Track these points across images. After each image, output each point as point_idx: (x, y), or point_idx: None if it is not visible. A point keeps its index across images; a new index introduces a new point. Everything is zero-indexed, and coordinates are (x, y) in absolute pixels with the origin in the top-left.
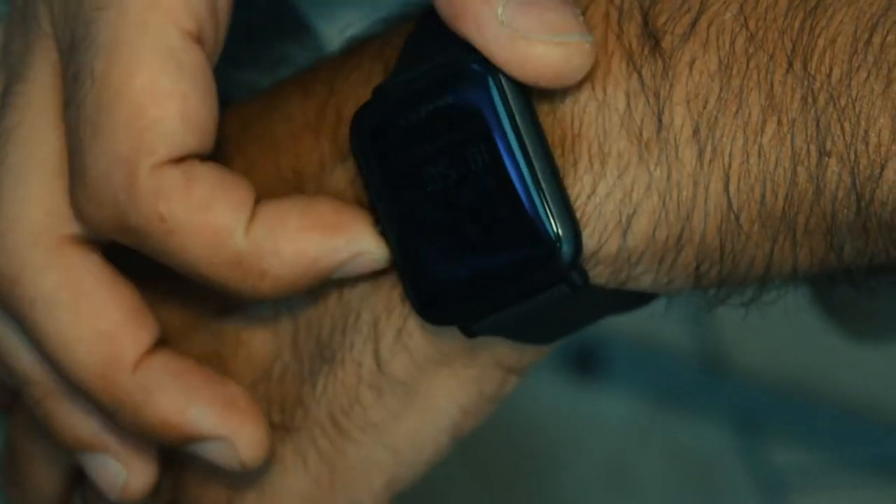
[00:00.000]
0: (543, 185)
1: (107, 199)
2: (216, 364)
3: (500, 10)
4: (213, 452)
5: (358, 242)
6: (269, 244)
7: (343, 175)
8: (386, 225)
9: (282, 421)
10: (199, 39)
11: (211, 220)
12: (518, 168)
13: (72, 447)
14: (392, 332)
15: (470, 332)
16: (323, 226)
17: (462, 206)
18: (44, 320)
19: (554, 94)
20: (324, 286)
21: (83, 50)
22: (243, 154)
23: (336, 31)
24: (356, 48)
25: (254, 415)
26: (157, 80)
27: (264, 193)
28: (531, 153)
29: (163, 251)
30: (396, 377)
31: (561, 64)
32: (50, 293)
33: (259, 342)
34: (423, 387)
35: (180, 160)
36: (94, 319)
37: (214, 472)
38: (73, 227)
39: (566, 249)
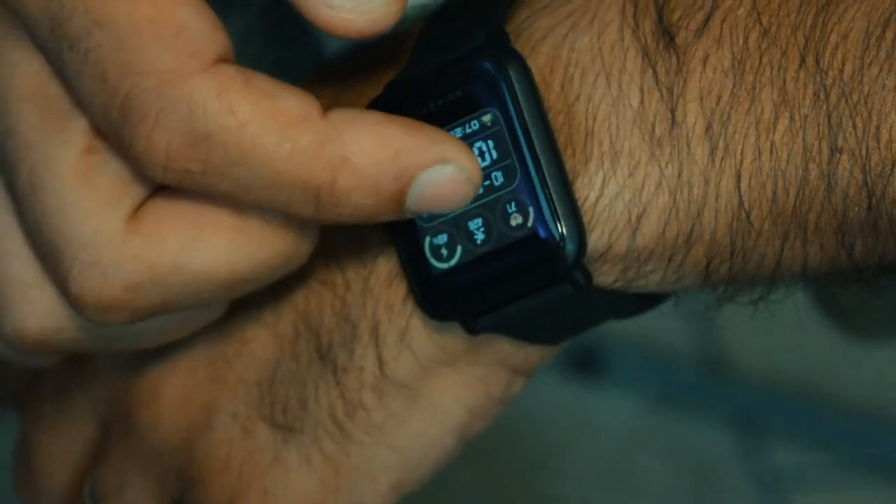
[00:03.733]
0: (549, 184)
1: (169, 118)
2: (220, 363)
3: None
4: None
5: (443, 146)
6: (350, 128)
7: None
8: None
9: (285, 422)
10: None
11: (281, 106)
12: (525, 166)
13: None
14: (395, 334)
15: (472, 329)
16: (404, 123)
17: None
18: None
19: (568, 91)
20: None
21: (68, 16)
22: None
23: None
24: (366, 49)
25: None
26: None
27: None
28: (538, 151)
29: (238, 157)
30: (400, 379)
31: (368, 27)
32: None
33: (261, 344)
34: (427, 388)
35: (223, 61)
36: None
37: (220, 473)
38: None
39: (570, 249)
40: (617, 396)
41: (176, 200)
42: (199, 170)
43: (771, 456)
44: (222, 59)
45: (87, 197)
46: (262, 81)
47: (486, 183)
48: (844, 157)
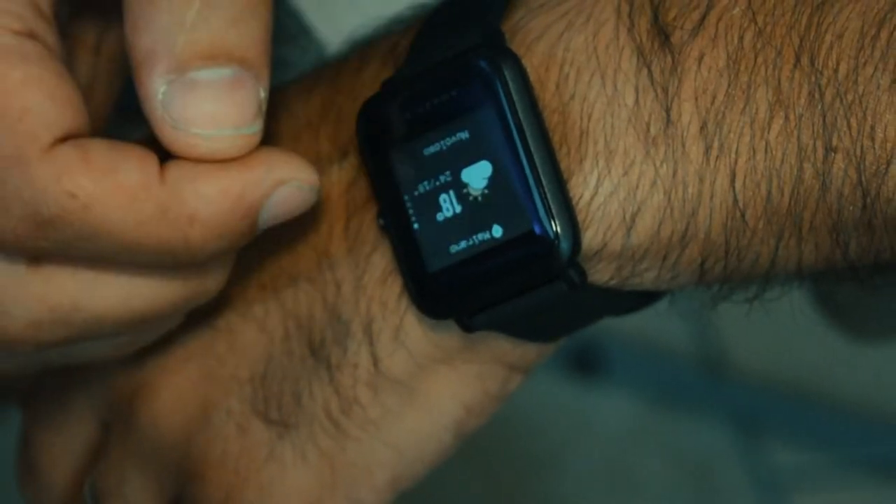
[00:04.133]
0: (543, 182)
1: (12, 205)
2: (213, 360)
3: (161, 90)
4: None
5: (278, 170)
6: (189, 186)
7: (337, 175)
8: (388, 216)
9: (279, 418)
10: (32, 35)
11: (121, 180)
12: (519, 164)
13: None
14: (389, 332)
15: (468, 327)
16: (239, 163)
17: (464, 199)
18: None
19: (563, 90)
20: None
21: None
22: None
23: (336, 34)
24: (364, 48)
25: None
26: (7, 74)
27: None
28: (532, 150)
29: (87, 234)
30: (395, 376)
31: (210, 155)
32: None
33: (252, 341)
34: (423, 385)
35: (66, 139)
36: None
37: (216, 469)
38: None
39: (564, 247)
40: (616, 396)
41: None
42: (52, 247)
43: (770, 455)
44: (68, 136)
45: None
46: (101, 154)
47: (482, 183)
48: (839, 156)
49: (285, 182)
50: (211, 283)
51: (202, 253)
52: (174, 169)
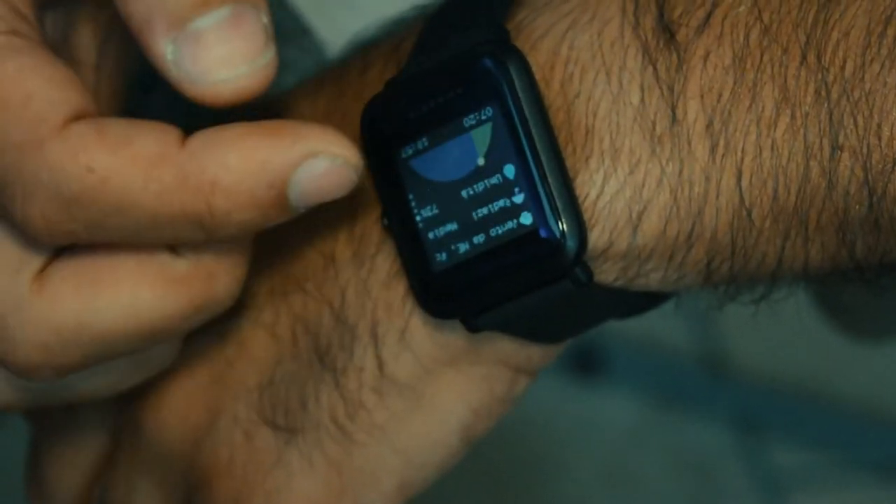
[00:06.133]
0: (550, 181)
1: (34, 190)
2: (221, 365)
3: (169, 51)
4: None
5: (308, 140)
6: (209, 153)
7: None
8: (392, 216)
9: (286, 424)
10: (16, 33)
11: (138, 150)
12: (525, 163)
13: None
14: (394, 334)
15: (472, 327)
16: (265, 131)
17: (469, 198)
18: None
19: (568, 88)
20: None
21: None
22: None
23: (336, 35)
24: (368, 49)
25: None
26: (1, 67)
27: None
28: (538, 148)
29: (110, 208)
30: (401, 379)
31: (237, 97)
32: None
33: (260, 347)
34: (429, 388)
35: (77, 119)
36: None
37: (223, 477)
38: None
39: (570, 246)
40: (617, 396)
41: (77, 259)
42: (81, 228)
43: (771, 456)
44: (75, 117)
45: None
46: (116, 129)
47: (487, 182)
48: (846, 154)
49: (317, 154)
50: (220, 290)
51: (229, 223)
52: (196, 138)
